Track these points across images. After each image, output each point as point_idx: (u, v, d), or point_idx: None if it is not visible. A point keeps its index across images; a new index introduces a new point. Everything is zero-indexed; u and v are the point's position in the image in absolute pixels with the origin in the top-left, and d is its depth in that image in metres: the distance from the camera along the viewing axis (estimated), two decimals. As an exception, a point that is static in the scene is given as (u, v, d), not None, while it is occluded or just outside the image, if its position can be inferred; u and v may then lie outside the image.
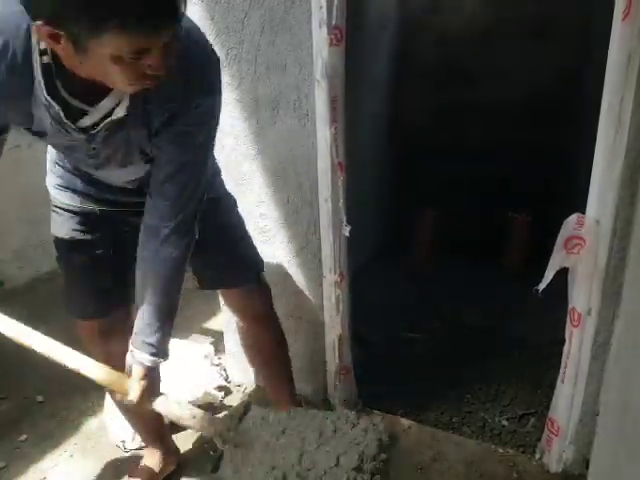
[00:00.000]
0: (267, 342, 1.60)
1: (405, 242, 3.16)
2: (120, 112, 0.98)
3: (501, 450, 1.72)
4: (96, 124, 1.00)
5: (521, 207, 2.98)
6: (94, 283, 1.33)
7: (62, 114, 0.96)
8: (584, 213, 1.37)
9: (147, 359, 1.13)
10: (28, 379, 2.14)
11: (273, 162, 1.71)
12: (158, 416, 1.55)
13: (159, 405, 1.15)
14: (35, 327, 2.61)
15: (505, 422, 1.89)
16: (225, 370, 2.11)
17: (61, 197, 1.29)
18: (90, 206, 1.29)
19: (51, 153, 1.29)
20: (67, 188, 1.28)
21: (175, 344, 2.11)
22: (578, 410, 1.53)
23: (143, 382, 1.13)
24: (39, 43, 0.89)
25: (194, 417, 1.14)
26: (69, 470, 1.71)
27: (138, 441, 1.76)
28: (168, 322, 1.16)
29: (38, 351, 1.20)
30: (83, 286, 1.34)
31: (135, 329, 1.16)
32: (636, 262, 1.29)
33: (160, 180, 1.10)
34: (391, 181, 3.24)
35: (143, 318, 1.15)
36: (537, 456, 1.68)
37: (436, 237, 3.13)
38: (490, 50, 3.02)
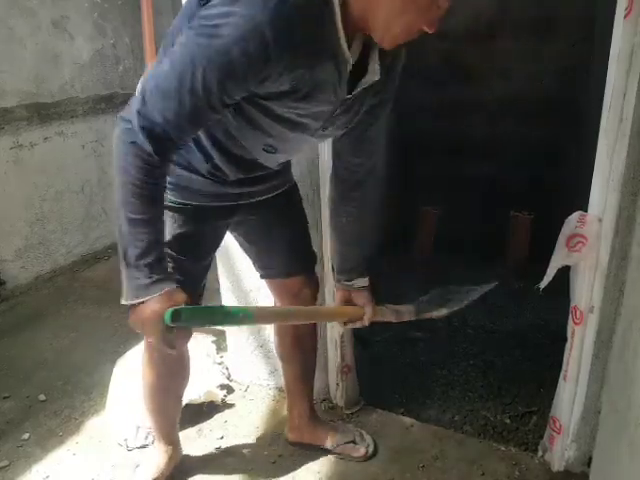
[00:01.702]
0: (308, 338, 1.64)
1: (407, 240, 3.16)
2: (375, 76, 1.03)
3: (503, 448, 1.73)
4: (354, 87, 1.03)
5: (523, 205, 2.98)
6: (196, 281, 1.33)
7: (349, 69, 0.98)
8: (586, 211, 1.37)
9: (364, 280, 1.37)
10: (31, 378, 2.14)
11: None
12: (177, 413, 1.60)
13: (387, 314, 1.40)
14: (37, 326, 2.64)
15: (507, 420, 1.89)
16: (227, 368, 2.11)
17: (174, 196, 1.23)
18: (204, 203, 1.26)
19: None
20: (182, 187, 1.23)
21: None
22: (580, 408, 1.53)
23: (372, 301, 1.35)
24: None
25: (409, 312, 1.43)
26: (72, 468, 1.71)
27: (141, 439, 1.76)
28: (366, 252, 1.40)
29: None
30: (192, 285, 1.27)
31: (348, 267, 1.37)
32: (638, 260, 1.29)
33: (362, 138, 1.21)
34: (393, 180, 3.23)
35: (353, 258, 1.37)
36: (539, 454, 1.68)
37: (438, 235, 3.13)
38: (491, 49, 3.02)
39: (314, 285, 1.56)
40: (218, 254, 1.92)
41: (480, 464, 1.66)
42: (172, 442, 1.62)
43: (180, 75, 0.89)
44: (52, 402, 2.01)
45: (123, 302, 1.00)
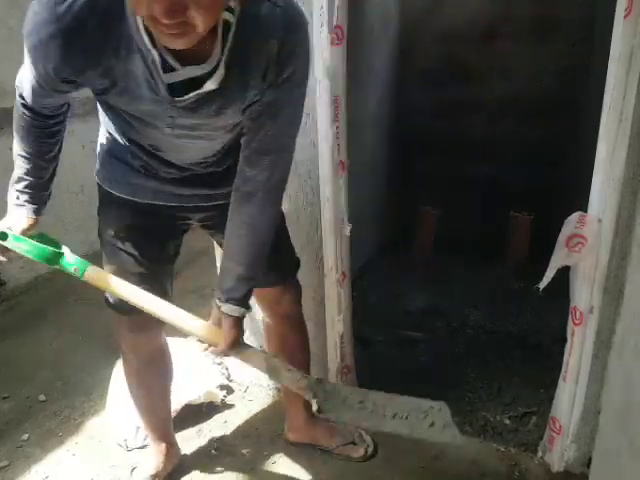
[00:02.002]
0: (293, 344, 1.60)
1: (407, 241, 3.16)
2: (211, 85, 0.97)
3: (503, 449, 1.72)
4: (186, 91, 0.98)
5: (522, 206, 2.98)
6: (132, 277, 1.32)
7: (158, 62, 0.93)
8: (586, 211, 1.37)
9: (235, 310, 1.21)
10: (31, 378, 2.14)
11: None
12: (166, 411, 1.62)
13: (250, 357, 1.24)
14: (37, 326, 2.63)
15: (507, 421, 1.89)
16: (227, 369, 2.11)
17: (111, 189, 1.29)
18: (147, 200, 1.29)
19: (103, 144, 1.29)
20: (120, 181, 1.28)
21: (177, 343, 2.12)
22: (580, 409, 1.53)
23: (234, 331, 1.21)
24: None
25: (289, 370, 1.22)
26: (71, 469, 1.71)
27: (141, 439, 1.76)
28: (253, 279, 1.24)
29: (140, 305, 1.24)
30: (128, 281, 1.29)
31: (223, 287, 1.23)
32: (638, 261, 1.28)
33: (255, 150, 1.12)
34: (393, 180, 3.24)
35: (231, 278, 1.22)
36: (539, 455, 1.68)
37: (438, 236, 3.13)
38: (491, 49, 3.02)
39: (294, 291, 1.54)
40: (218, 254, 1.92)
41: (480, 464, 1.66)
42: (167, 441, 1.62)
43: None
44: (52, 402, 2.01)
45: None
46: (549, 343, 2.27)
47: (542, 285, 1.44)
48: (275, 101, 1.06)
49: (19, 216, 1.27)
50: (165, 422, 1.62)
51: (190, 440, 1.80)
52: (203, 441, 1.80)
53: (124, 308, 1.32)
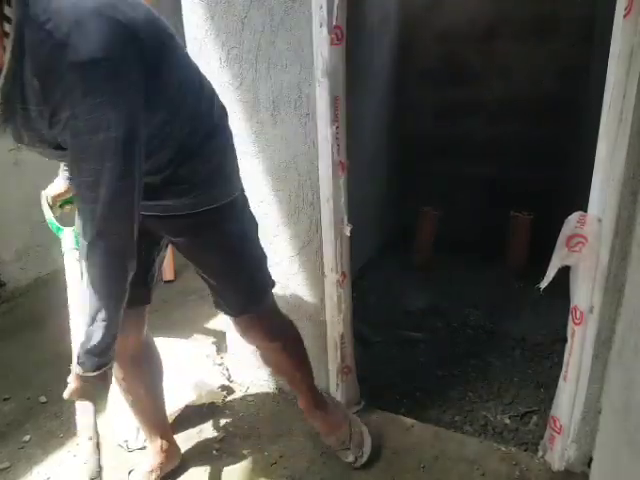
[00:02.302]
0: (283, 367, 1.59)
1: (407, 241, 3.16)
2: None
3: (503, 448, 1.73)
4: None
5: (523, 205, 2.98)
6: None
7: None
8: (586, 211, 1.37)
9: (75, 365, 1.16)
10: (31, 380, 2.14)
11: (274, 161, 1.71)
12: (158, 411, 1.61)
13: (78, 412, 1.21)
14: (37, 327, 2.63)
15: (507, 420, 1.89)
16: (227, 369, 2.11)
17: None
18: None
19: None
20: None
21: (178, 344, 2.12)
22: (580, 408, 1.53)
23: (73, 385, 1.18)
24: None
25: (90, 439, 1.21)
26: (72, 470, 1.71)
27: (141, 440, 1.76)
28: (86, 337, 1.12)
29: None
30: None
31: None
32: (638, 261, 1.29)
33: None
34: (393, 180, 3.24)
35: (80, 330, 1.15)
36: (539, 454, 1.68)
37: (438, 236, 3.13)
38: (491, 49, 3.02)
39: (262, 322, 1.44)
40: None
41: (480, 464, 1.66)
42: (164, 439, 1.61)
43: None
44: (53, 404, 2.01)
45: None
46: (549, 343, 2.28)
47: (542, 285, 1.44)
48: (47, 91, 0.94)
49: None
50: (159, 421, 1.62)
51: (191, 440, 1.80)
52: (204, 442, 1.80)
53: None
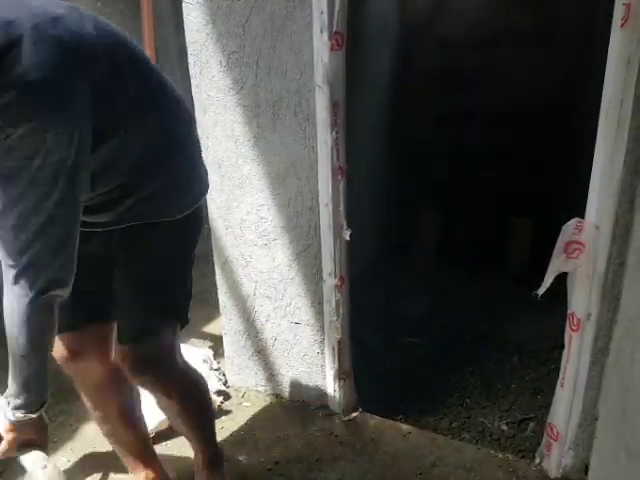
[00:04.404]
0: (171, 410, 1.41)
1: (406, 246, 3.16)
2: None
3: (500, 455, 1.72)
4: None
5: (522, 210, 2.99)
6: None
7: None
8: (584, 217, 1.38)
9: (11, 413, 1.09)
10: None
11: (273, 166, 1.71)
12: (133, 438, 1.45)
13: (24, 461, 1.16)
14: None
15: (504, 427, 1.89)
16: (224, 374, 2.11)
17: None
18: None
19: None
20: None
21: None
22: (577, 415, 1.53)
23: (10, 435, 1.11)
24: None
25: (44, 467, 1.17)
26: (66, 475, 1.69)
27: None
28: (21, 378, 1.08)
29: None
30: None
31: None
32: (635, 268, 1.29)
33: None
34: (392, 184, 3.24)
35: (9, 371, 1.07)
36: (536, 461, 1.67)
37: (437, 241, 3.13)
38: (491, 55, 3.04)
39: (136, 361, 1.26)
40: (216, 263, 1.93)
41: (478, 471, 1.66)
42: (149, 470, 1.48)
43: None
44: (47, 408, 1.98)
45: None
46: (547, 349, 2.28)
47: (540, 291, 1.44)
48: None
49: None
50: (140, 451, 1.46)
51: (187, 446, 1.79)
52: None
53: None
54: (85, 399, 1.39)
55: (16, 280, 0.95)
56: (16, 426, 1.10)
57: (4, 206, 0.91)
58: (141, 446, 1.48)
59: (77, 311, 1.20)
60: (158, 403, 1.43)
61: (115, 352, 1.31)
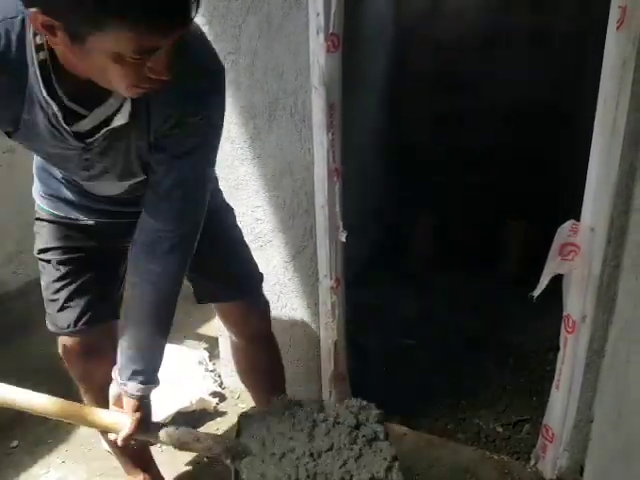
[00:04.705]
0: (264, 363, 1.52)
1: (402, 248, 3.16)
2: (121, 119, 0.90)
3: (496, 457, 1.72)
4: (94, 131, 0.92)
5: (518, 213, 3.00)
6: (79, 295, 1.23)
7: (60, 115, 0.87)
8: (579, 220, 1.38)
9: (139, 388, 1.06)
10: (20, 385, 2.10)
11: (269, 167, 1.71)
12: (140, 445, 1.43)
13: (160, 436, 1.09)
14: (26, 332, 2.60)
15: (500, 428, 1.89)
16: (219, 376, 2.10)
17: (48, 206, 1.21)
18: (82, 217, 1.21)
19: (37, 159, 1.19)
20: (55, 197, 1.20)
21: (169, 350, 2.11)
22: (573, 417, 1.53)
23: (138, 414, 1.07)
24: (35, 36, 0.81)
25: (198, 440, 1.09)
26: (61, 477, 1.69)
27: (131, 447, 1.74)
28: (160, 346, 1.10)
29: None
30: (69, 299, 1.23)
31: (122, 359, 1.08)
32: (630, 270, 1.29)
33: (160, 195, 1.02)
34: (388, 186, 3.25)
35: (133, 345, 1.07)
36: (532, 463, 1.68)
37: (433, 244, 3.13)
38: (486, 58, 3.05)
39: (260, 308, 1.45)
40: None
41: (473, 473, 1.66)
42: (146, 475, 1.50)
43: None
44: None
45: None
46: (542, 351, 2.28)
47: (536, 293, 1.45)
48: (180, 135, 0.97)
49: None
50: (139, 453, 1.48)
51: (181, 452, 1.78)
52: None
53: (62, 328, 1.23)
54: (88, 401, 1.38)
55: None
56: (140, 403, 1.06)
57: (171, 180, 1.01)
58: (140, 450, 1.48)
59: (103, 306, 1.25)
60: (257, 361, 1.51)
61: (230, 317, 1.43)
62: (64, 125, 0.90)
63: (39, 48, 0.82)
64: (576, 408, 1.52)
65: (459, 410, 1.98)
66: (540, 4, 2.90)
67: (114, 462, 1.72)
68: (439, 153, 3.18)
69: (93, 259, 1.24)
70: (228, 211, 1.40)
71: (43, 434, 1.86)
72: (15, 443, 1.82)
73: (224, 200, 1.40)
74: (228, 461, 1.05)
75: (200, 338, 2.40)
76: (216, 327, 2.10)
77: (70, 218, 1.21)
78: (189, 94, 0.92)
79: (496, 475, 1.65)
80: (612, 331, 1.40)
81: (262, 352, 1.51)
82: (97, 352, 1.28)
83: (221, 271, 1.35)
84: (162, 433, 1.09)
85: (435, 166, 3.14)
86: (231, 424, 1.90)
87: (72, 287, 1.22)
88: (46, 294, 1.25)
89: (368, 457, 1.06)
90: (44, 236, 1.23)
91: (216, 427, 1.88)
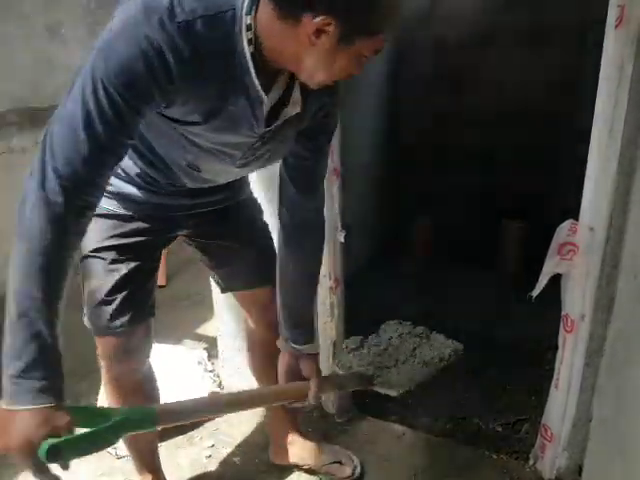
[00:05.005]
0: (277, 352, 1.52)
1: (401, 248, 3.16)
2: (297, 108, 0.99)
3: (495, 456, 1.72)
4: (270, 120, 0.98)
5: (516, 214, 3.00)
6: (135, 294, 1.23)
7: (268, 105, 0.95)
8: (578, 220, 1.38)
9: (316, 348, 1.24)
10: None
11: (269, 167, 1.70)
12: (152, 441, 1.49)
13: (333, 386, 1.28)
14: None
15: (499, 428, 1.89)
16: (218, 376, 2.10)
17: (107, 204, 1.17)
18: (145, 212, 1.21)
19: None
20: (115, 194, 1.17)
21: (168, 350, 2.11)
22: (571, 416, 1.53)
23: (320, 374, 1.22)
24: (248, 31, 0.86)
25: (351, 380, 1.29)
26: (60, 477, 1.68)
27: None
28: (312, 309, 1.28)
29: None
30: (126, 299, 1.22)
31: (302, 330, 1.24)
32: (628, 269, 1.29)
33: (314, 177, 1.17)
34: (387, 186, 3.25)
35: (307, 317, 1.26)
36: (531, 462, 1.68)
37: (432, 243, 3.14)
38: (485, 59, 3.05)
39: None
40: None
41: (472, 472, 1.66)
42: (152, 472, 1.50)
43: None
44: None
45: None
46: (541, 350, 2.28)
47: (535, 293, 1.45)
48: (331, 122, 1.10)
49: (51, 411, 0.81)
50: (150, 452, 1.50)
51: (181, 448, 1.79)
52: (194, 449, 1.78)
53: (114, 328, 1.20)
54: (114, 402, 1.36)
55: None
56: (317, 361, 1.24)
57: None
58: (153, 452, 1.50)
59: (150, 303, 1.28)
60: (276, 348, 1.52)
61: (256, 303, 1.45)
62: (264, 112, 0.96)
63: (249, 42, 0.87)
64: (575, 408, 1.51)
65: (458, 409, 1.98)
66: (539, 3, 2.90)
67: (114, 462, 1.73)
68: (438, 152, 3.18)
69: (145, 257, 1.25)
70: (255, 200, 1.46)
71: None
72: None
73: (251, 190, 1.47)
74: (384, 390, 1.29)
75: (199, 338, 2.40)
76: (215, 327, 2.10)
77: (131, 215, 1.20)
78: (335, 85, 0.99)
79: (495, 475, 1.65)
80: (611, 330, 1.40)
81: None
82: (139, 351, 1.29)
83: (254, 256, 1.40)
84: (333, 384, 1.29)
85: (434, 166, 3.14)
86: (230, 424, 1.90)
87: (130, 286, 1.21)
88: (98, 295, 1.21)
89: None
90: (96, 233, 1.18)
91: (215, 427, 1.88)
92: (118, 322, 1.21)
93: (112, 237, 1.20)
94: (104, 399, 1.83)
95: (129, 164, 1.15)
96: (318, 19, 0.79)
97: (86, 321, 1.27)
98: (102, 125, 0.82)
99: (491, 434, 1.86)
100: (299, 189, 1.16)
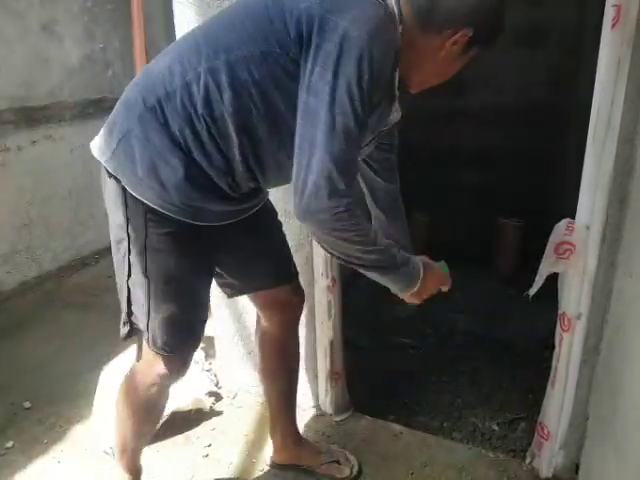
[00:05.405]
0: (290, 351, 1.56)
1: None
2: (399, 115, 1.24)
3: (492, 455, 1.73)
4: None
5: (513, 213, 3.00)
6: (203, 311, 1.27)
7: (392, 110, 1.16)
8: (574, 218, 1.39)
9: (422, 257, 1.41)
10: (15, 385, 2.11)
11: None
12: (145, 445, 1.49)
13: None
14: (22, 331, 2.60)
15: (495, 427, 1.89)
16: (215, 376, 2.10)
17: (187, 218, 1.13)
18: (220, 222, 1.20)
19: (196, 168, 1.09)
20: (195, 207, 1.13)
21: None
22: (568, 415, 1.53)
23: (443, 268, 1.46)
24: None
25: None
26: (56, 477, 1.68)
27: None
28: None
29: None
30: (198, 317, 1.26)
31: (410, 250, 1.45)
32: (625, 268, 1.30)
33: (393, 165, 1.67)
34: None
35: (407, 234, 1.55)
36: (527, 461, 1.68)
37: (428, 242, 3.13)
38: (481, 58, 3.04)
39: (302, 294, 1.50)
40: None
41: (469, 471, 1.66)
42: (133, 471, 1.48)
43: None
44: (37, 409, 1.98)
45: (406, 294, 1.36)
46: (538, 349, 2.28)
47: (531, 292, 1.45)
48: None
49: (421, 259, 1.39)
50: (139, 453, 1.49)
51: (178, 447, 1.78)
52: (191, 448, 1.78)
53: (195, 348, 1.27)
54: (138, 420, 1.37)
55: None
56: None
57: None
58: (140, 452, 1.50)
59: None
60: (287, 346, 1.55)
61: (275, 302, 1.46)
62: (390, 115, 1.20)
63: None
64: (572, 406, 1.52)
65: (454, 408, 1.99)
66: (538, 2, 2.90)
67: (109, 461, 1.72)
68: (434, 152, 3.18)
69: (211, 271, 1.31)
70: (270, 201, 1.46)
71: (38, 434, 1.85)
72: (10, 443, 1.81)
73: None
74: None
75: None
76: (212, 327, 2.10)
77: (207, 226, 1.18)
78: None
79: (492, 473, 1.65)
80: (607, 329, 1.40)
81: (292, 340, 1.56)
82: (184, 370, 1.30)
83: (272, 254, 1.42)
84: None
85: (429, 165, 3.14)
86: (227, 423, 1.89)
87: (201, 303, 1.26)
88: (193, 315, 1.24)
89: None
90: (178, 252, 1.16)
91: (212, 427, 1.88)
92: (199, 343, 1.28)
93: (185, 254, 1.17)
94: (101, 402, 1.83)
95: (221, 171, 1.11)
96: (460, 32, 0.98)
97: (152, 338, 1.21)
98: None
99: (488, 433, 1.87)
100: (383, 177, 1.59)
